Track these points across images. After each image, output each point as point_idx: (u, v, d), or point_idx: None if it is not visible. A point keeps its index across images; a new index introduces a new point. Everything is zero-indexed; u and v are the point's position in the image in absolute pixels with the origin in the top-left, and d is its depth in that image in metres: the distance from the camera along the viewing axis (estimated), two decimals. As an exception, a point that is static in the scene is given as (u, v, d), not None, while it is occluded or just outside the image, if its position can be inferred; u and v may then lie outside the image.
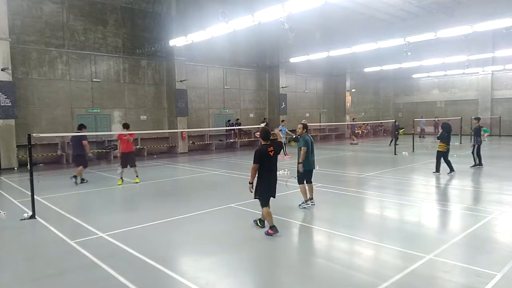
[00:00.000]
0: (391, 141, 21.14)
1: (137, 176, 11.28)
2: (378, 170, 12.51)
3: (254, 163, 5.95)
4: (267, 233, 5.95)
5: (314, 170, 8.00)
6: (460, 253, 5.32)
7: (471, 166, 12.91)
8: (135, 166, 11.28)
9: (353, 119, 29.97)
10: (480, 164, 12.91)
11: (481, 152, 13.05)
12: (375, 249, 5.44)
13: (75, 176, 11.02)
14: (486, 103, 29.98)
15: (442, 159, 11.76)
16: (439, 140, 11.81)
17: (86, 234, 6.24)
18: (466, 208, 7.83)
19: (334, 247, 5.39)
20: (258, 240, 6.02)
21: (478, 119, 13.91)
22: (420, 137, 28.03)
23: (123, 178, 11.08)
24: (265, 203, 6.05)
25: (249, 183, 6.03)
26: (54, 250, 5.61)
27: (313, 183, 8.01)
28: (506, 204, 7.89)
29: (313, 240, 6.17)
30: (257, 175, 6.02)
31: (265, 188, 6.04)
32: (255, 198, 6.19)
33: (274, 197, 6.20)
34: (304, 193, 7.81)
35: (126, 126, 11.29)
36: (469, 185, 10.53)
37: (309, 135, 7.87)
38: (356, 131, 31.38)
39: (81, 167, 11.19)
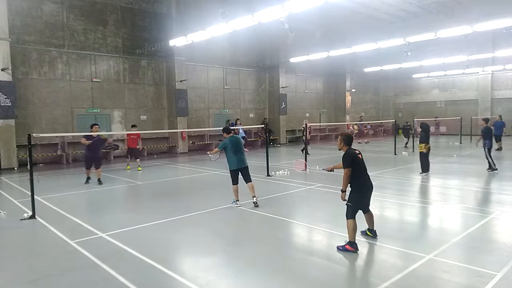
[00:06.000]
0: (406, 143, 21.25)
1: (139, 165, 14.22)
2: (378, 170, 12.51)
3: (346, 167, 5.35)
4: (343, 248, 5.29)
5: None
6: (460, 253, 5.32)
7: None
8: (138, 158, 14.40)
9: (360, 117, 30.08)
10: None
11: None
12: (375, 249, 5.44)
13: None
14: (486, 103, 29.97)
15: (425, 158, 11.71)
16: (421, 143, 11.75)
17: (86, 234, 6.23)
18: (466, 208, 7.83)
19: (334, 247, 5.38)
20: (258, 240, 6.02)
21: None
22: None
23: (129, 165, 14.64)
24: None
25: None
26: (54, 250, 5.61)
27: (252, 182, 8.06)
28: (506, 204, 7.89)
29: (313, 240, 6.17)
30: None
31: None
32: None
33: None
34: (235, 193, 7.93)
35: (133, 126, 14.80)
36: (469, 185, 10.52)
37: (235, 135, 8.38)
38: (356, 131, 31.39)
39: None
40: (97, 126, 11.22)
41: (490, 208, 7.55)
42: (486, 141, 12.23)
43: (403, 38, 17.52)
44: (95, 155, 11.13)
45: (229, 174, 7.99)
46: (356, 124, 30.93)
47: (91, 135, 10.93)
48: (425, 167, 11.73)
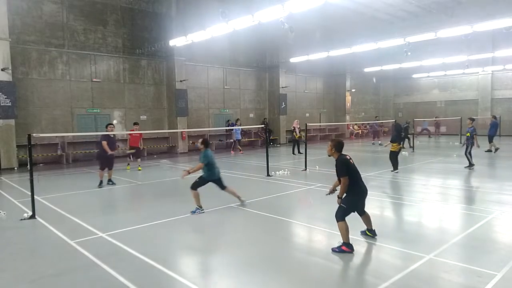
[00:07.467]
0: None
1: (139, 165, 14.35)
2: (378, 170, 12.51)
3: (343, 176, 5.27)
4: (339, 250, 5.25)
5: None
6: (460, 253, 5.32)
7: None
8: (139, 158, 14.58)
9: (376, 117, 30.20)
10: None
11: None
12: (375, 249, 5.44)
13: None
14: (486, 103, 29.98)
15: (395, 157, 12.05)
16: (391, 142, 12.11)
17: (86, 234, 6.23)
18: (466, 208, 7.83)
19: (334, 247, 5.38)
20: (258, 240, 6.02)
21: None
22: (429, 136, 29.44)
23: (129, 164, 14.68)
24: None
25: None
26: (54, 250, 5.61)
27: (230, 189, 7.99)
28: (506, 204, 7.89)
29: (313, 240, 6.17)
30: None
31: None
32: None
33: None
34: (197, 199, 7.57)
35: (135, 123, 14.64)
36: (469, 185, 10.53)
37: (209, 149, 7.80)
38: (356, 131, 31.42)
39: None
40: (112, 126, 11.07)
41: (490, 208, 7.55)
42: (471, 140, 12.64)
43: (403, 38, 17.53)
44: (110, 155, 10.57)
45: (225, 175, 7.99)
46: (365, 123, 31.04)
47: (109, 135, 10.66)
48: (395, 165, 12.02)
